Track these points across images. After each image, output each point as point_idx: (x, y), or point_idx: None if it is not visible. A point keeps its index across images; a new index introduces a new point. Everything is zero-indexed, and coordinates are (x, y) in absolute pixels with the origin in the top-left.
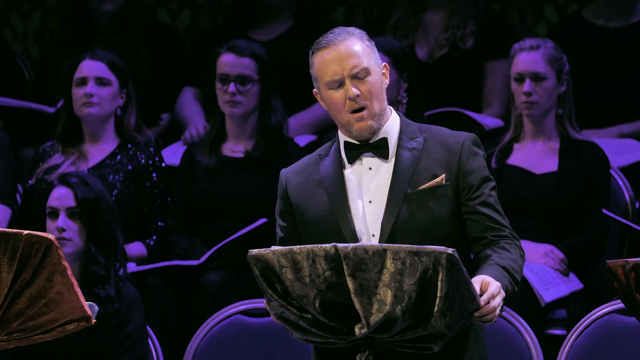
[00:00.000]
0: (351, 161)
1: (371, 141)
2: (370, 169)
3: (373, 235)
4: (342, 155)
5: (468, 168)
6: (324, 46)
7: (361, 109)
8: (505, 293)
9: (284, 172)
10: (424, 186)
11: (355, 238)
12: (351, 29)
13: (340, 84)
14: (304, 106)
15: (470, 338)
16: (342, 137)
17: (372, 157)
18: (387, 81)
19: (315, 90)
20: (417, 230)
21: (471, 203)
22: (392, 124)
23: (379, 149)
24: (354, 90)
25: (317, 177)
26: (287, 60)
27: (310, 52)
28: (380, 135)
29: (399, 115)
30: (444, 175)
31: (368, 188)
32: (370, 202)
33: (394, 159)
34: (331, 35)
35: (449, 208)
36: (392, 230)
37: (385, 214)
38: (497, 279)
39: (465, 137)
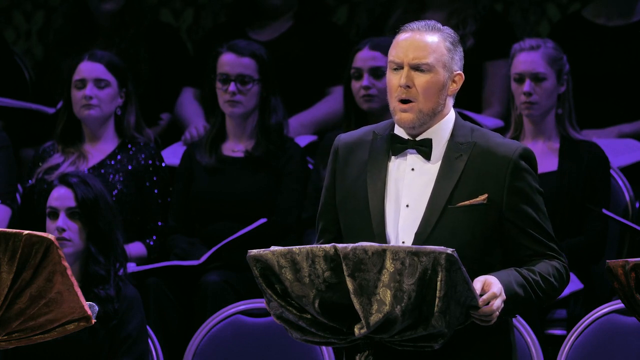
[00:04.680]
0: (395, 154)
1: (418, 138)
2: (412, 169)
3: (403, 242)
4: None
5: (515, 187)
6: (404, 30)
7: (408, 101)
8: (514, 298)
9: (338, 141)
10: (464, 203)
11: (383, 239)
12: (444, 27)
13: (401, 67)
14: (304, 106)
15: (483, 345)
16: (395, 128)
17: (416, 154)
18: (453, 88)
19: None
20: (450, 246)
21: (518, 224)
22: (443, 125)
23: (423, 148)
24: (405, 80)
25: (364, 158)
26: (287, 60)
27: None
28: (428, 135)
29: (456, 115)
30: (486, 195)
31: (408, 191)
32: (407, 206)
33: (439, 163)
34: (419, 23)
35: (486, 228)
36: (424, 243)
37: (421, 225)
38: (503, 282)
39: (514, 151)
